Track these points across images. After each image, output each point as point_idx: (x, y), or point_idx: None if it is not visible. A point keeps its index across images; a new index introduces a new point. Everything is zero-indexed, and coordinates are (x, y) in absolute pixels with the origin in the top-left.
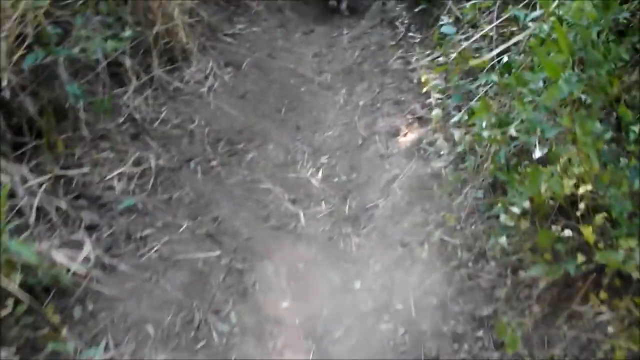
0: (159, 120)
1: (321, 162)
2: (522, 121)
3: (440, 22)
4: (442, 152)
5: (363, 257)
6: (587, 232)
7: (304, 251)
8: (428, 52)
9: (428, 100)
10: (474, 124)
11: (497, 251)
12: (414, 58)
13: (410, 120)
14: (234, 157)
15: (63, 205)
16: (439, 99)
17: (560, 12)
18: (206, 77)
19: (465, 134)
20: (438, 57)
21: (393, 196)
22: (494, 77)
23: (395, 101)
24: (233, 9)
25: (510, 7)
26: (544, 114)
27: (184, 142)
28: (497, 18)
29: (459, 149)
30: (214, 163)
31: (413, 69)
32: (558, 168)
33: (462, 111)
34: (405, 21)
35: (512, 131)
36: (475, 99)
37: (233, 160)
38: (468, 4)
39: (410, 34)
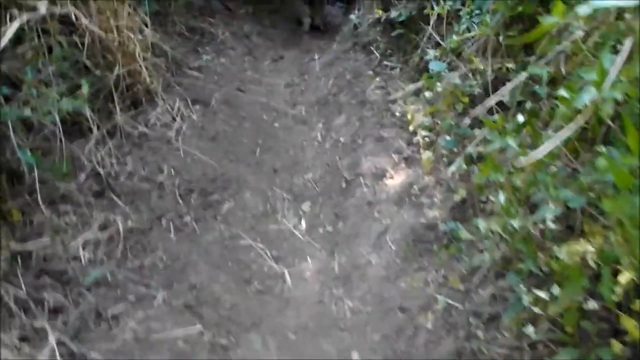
0: (125, 173)
1: (303, 210)
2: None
3: (425, 56)
4: (435, 200)
5: (359, 325)
6: (630, 325)
7: (293, 318)
8: (408, 82)
9: (414, 138)
10: (470, 172)
11: (512, 321)
12: (394, 88)
13: (396, 160)
14: (209, 209)
15: (22, 292)
16: (426, 136)
17: None
18: (173, 119)
19: (463, 181)
20: (421, 89)
21: (386, 251)
22: (511, 142)
23: (377, 137)
24: (198, 38)
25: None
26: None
27: (153, 196)
28: (485, 49)
29: (456, 197)
30: (187, 219)
31: (394, 100)
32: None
33: (459, 160)
34: (381, 46)
35: (548, 222)
36: (472, 144)
37: (208, 213)
38: (454, 36)
39: (387, 61)
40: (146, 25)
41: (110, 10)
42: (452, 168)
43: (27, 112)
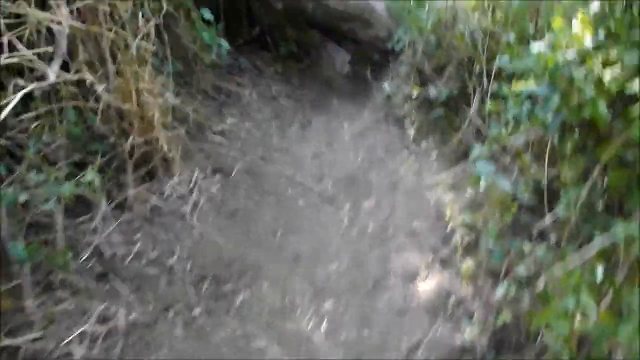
0: (131, 254)
1: (325, 309)
2: None
3: (465, 141)
4: (475, 317)
5: None
6: None
7: None
8: (445, 165)
9: (452, 236)
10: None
11: None
12: (429, 171)
13: (430, 261)
14: (222, 301)
15: None
16: (465, 236)
17: None
18: (191, 191)
19: (510, 302)
20: (460, 178)
21: None
22: (585, 298)
23: (410, 231)
24: (223, 98)
25: None
26: None
27: (161, 283)
28: (537, 149)
29: (499, 320)
30: (197, 311)
31: (429, 186)
32: None
33: (507, 282)
34: (416, 122)
35: None
36: (524, 265)
37: (220, 306)
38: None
39: (423, 139)
40: (167, 88)
41: (130, 72)
42: (500, 291)
43: (23, 196)
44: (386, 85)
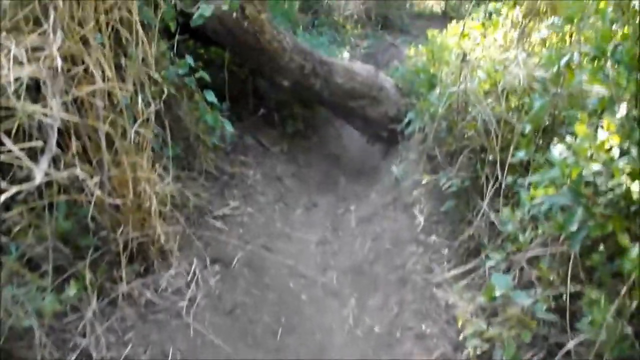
0: (121, 357)
1: None
2: None
3: (478, 237)
4: None
5: None
6: None
7: None
8: (456, 260)
9: (465, 348)
10: None
11: None
12: (439, 265)
13: None
14: None
15: None
16: (479, 348)
17: None
18: (188, 284)
19: None
20: (472, 277)
21: None
22: None
23: (418, 334)
24: (226, 179)
25: None
26: None
27: None
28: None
29: None
30: None
31: (439, 284)
32: None
33: None
34: (425, 210)
35: None
36: None
37: None
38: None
39: (432, 231)
40: (167, 172)
41: (128, 161)
42: None
43: None
44: (395, 168)
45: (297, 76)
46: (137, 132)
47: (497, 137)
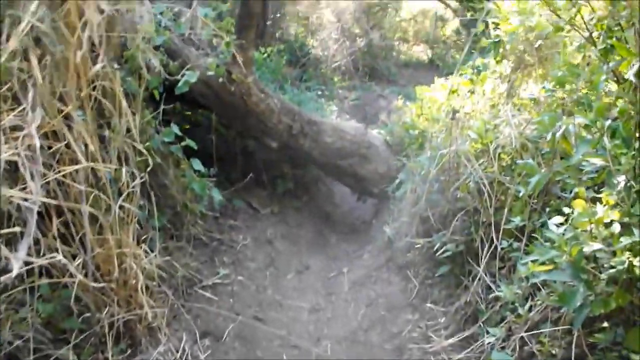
0: None
1: None
2: None
3: (475, 304)
4: None
5: None
6: None
7: None
8: (453, 327)
9: None
10: None
11: None
12: (436, 332)
13: None
14: None
15: None
16: None
17: None
18: None
19: None
20: (470, 347)
21: None
22: None
23: None
24: (215, 245)
25: None
26: None
27: None
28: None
29: None
30: None
31: (436, 353)
32: None
33: None
34: (420, 272)
35: None
36: None
37: None
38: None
39: (428, 295)
40: (153, 244)
41: (113, 239)
42: None
43: None
44: (387, 229)
45: (285, 137)
46: (121, 207)
47: (490, 198)
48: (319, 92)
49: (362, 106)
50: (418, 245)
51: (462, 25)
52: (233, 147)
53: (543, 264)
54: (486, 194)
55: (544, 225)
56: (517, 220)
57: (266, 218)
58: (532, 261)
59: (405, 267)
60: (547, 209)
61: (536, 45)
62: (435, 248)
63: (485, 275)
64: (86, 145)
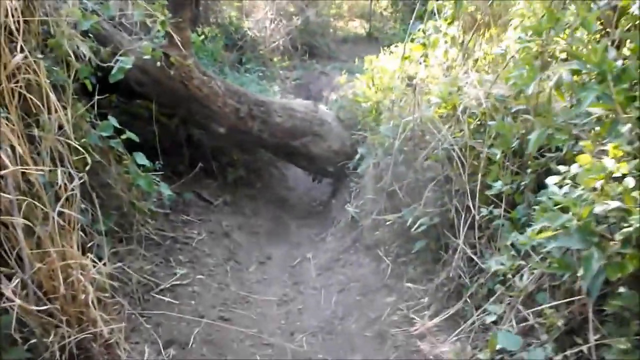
0: None
1: None
2: None
3: (458, 278)
4: None
5: None
6: None
7: None
8: (437, 310)
9: None
10: None
11: None
12: (417, 313)
13: None
14: None
15: None
16: None
17: None
18: None
19: None
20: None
21: None
22: None
23: None
24: (169, 243)
25: None
26: None
27: None
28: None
29: None
30: None
31: (422, 335)
32: None
33: None
34: (392, 251)
35: None
36: None
37: None
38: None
39: (403, 272)
40: (99, 256)
41: (54, 251)
42: None
43: None
44: (350, 208)
45: (232, 121)
46: (60, 214)
47: (462, 165)
48: (260, 74)
49: (305, 85)
50: (388, 223)
51: None
52: (177, 137)
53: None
54: (457, 160)
55: (526, 188)
56: (498, 185)
57: (219, 209)
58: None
59: (375, 247)
60: (528, 171)
61: (489, 3)
62: (408, 224)
63: (465, 246)
64: (13, 147)
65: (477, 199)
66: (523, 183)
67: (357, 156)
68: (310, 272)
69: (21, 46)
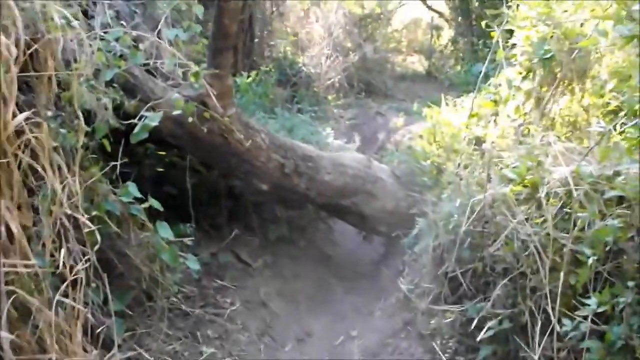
0: None
1: None
2: None
3: None
4: None
5: None
6: None
7: None
8: None
9: None
10: None
11: None
12: None
13: None
14: None
15: None
16: None
17: None
18: None
19: None
20: None
21: None
22: None
23: None
24: (198, 314)
25: None
26: None
27: None
28: None
29: None
30: None
31: None
32: None
33: None
34: (450, 345)
35: None
36: None
37: None
38: None
39: None
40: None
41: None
42: None
43: None
44: (403, 285)
45: (277, 177)
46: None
47: (542, 260)
48: (313, 114)
49: (360, 125)
50: (446, 315)
51: (459, 34)
52: (217, 187)
53: None
54: (535, 254)
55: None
56: (592, 304)
57: (258, 273)
58: None
59: (430, 337)
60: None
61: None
62: (473, 323)
63: None
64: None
65: (557, 302)
66: (622, 300)
67: (414, 232)
68: (353, 355)
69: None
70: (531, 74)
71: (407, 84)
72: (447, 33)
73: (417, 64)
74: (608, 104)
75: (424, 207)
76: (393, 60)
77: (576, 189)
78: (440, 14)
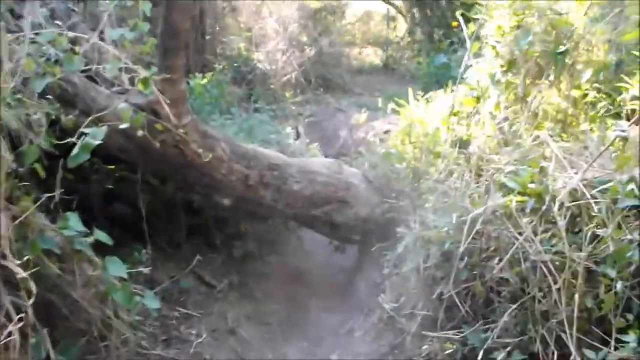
0: None
1: None
2: None
3: None
4: None
5: None
6: None
7: None
8: None
9: None
10: None
11: None
12: None
13: None
14: None
15: None
16: None
17: None
18: None
19: None
20: None
21: None
22: None
23: None
24: (159, 353)
25: None
26: None
27: None
28: None
29: None
30: None
31: None
32: None
33: None
34: None
35: None
36: None
37: None
38: None
39: None
40: None
41: None
42: None
43: None
44: (385, 303)
45: (240, 190)
46: None
47: (555, 283)
48: (271, 113)
49: (320, 122)
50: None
51: (415, 24)
52: (174, 202)
53: None
54: (546, 274)
55: None
56: (632, 341)
57: (224, 295)
58: None
59: None
60: None
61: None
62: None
63: None
64: None
65: (574, 332)
66: None
67: (398, 250)
68: None
69: None
70: (514, 67)
71: (365, 77)
72: (402, 24)
73: (373, 55)
74: (586, 94)
75: (407, 219)
76: (349, 53)
77: (592, 201)
78: (395, 7)
